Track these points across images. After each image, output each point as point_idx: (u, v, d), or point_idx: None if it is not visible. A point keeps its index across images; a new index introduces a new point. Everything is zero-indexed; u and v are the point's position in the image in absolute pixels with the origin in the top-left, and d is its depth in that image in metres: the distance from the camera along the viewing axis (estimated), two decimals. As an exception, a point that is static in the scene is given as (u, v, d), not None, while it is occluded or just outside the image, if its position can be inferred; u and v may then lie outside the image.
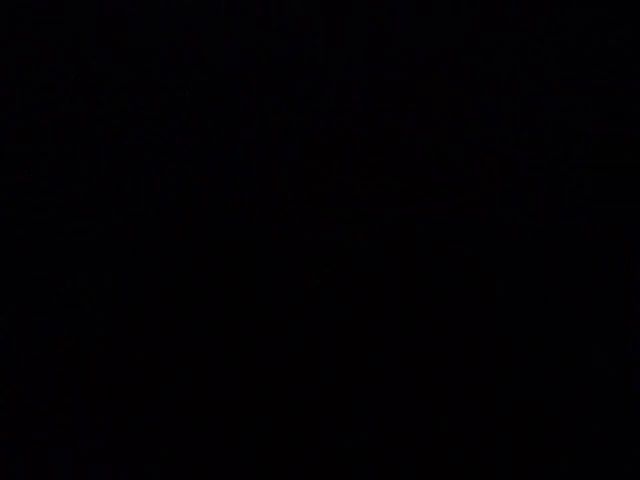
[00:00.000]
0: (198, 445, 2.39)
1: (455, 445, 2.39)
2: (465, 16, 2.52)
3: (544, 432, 2.39)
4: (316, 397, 2.41)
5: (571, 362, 2.41)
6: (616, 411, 2.39)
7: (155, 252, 2.45)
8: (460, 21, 2.52)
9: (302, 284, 2.44)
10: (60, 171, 2.47)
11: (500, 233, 2.45)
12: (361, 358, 2.42)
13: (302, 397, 2.41)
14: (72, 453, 2.39)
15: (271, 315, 2.43)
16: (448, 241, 2.45)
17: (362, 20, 2.53)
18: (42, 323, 2.42)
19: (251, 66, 2.52)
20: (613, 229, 2.45)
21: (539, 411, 2.40)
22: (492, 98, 2.50)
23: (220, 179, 2.48)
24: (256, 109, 2.50)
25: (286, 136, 2.50)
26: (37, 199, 2.47)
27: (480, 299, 2.43)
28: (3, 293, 2.43)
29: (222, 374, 2.42)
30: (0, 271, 2.44)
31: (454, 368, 2.41)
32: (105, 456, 2.39)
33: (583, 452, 2.38)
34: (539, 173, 2.48)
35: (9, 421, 2.39)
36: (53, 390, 2.40)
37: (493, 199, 2.47)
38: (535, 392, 2.40)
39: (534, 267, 2.44)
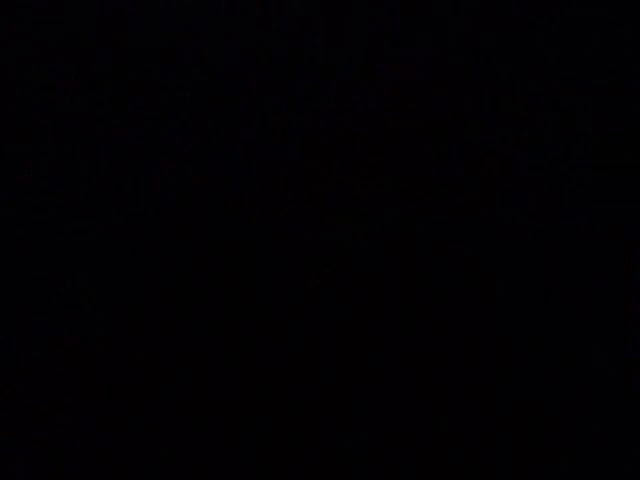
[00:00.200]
0: (198, 445, 2.40)
1: (455, 445, 2.39)
2: (465, 16, 2.52)
3: (544, 432, 2.39)
4: (316, 397, 2.41)
5: (571, 362, 2.41)
6: (616, 411, 2.39)
7: (155, 252, 2.46)
8: (460, 21, 2.52)
9: (302, 284, 2.44)
10: (60, 171, 2.48)
11: (500, 233, 2.46)
12: (361, 358, 2.42)
13: (302, 397, 2.41)
14: (72, 453, 2.39)
15: (271, 315, 2.43)
16: (448, 241, 2.46)
17: (362, 20, 2.53)
18: (42, 323, 2.42)
19: (251, 66, 2.52)
20: (613, 229, 2.45)
21: (539, 411, 2.40)
22: (492, 98, 2.50)
23: (220, 179, 2.48)
24: (256, 109, 2.51)
25: (286, 136, 2.50)
26: (37, 199, 2.47)
27: (480, 299, 2.44)
28: (3, 293, 2.43)
29: (222, 374, 2.42)
30: (0, 271, 2.44)
31: (454, 368, 2.42)
32: (105, 456, 2.39)
33: (583, 452, 2.38)
34: (539, 173, 2.48)
35: (9, 421, 2.39)
36: (53, 390, 2.40)
37: (493, 199, 2.47)
38: (535, 392, 2.40)
39: (534, 267, 2.44)
